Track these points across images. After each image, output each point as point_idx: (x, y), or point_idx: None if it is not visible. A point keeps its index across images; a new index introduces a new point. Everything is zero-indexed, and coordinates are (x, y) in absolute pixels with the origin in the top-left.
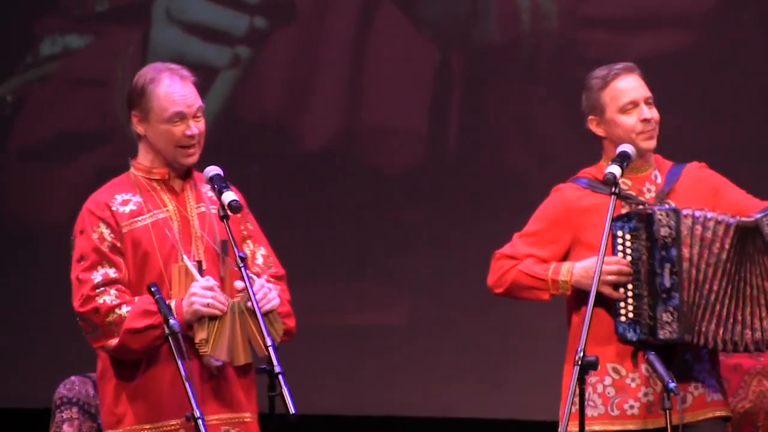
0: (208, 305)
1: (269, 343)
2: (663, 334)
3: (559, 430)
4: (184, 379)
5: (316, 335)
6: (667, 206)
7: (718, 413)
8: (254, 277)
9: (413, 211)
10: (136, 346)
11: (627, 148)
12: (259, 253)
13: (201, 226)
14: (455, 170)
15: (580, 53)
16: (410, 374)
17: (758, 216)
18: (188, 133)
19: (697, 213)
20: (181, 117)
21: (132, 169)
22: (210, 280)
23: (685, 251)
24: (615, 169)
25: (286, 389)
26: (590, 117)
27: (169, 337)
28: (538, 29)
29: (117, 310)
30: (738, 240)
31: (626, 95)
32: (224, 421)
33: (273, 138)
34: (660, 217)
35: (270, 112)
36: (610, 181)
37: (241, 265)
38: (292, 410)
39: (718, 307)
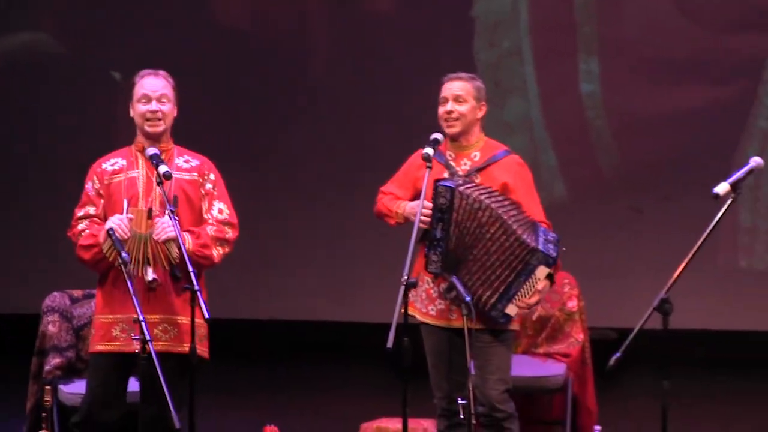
0: (113, 225)
1: (191, 269)
2: (430, 268)
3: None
4: (132, 293)
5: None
6: (448, 183)
7: (494, 326)
8: (169, 217)
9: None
10: (85, 257)
11: (438, 135)
12: (217, 206)
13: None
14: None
15: None
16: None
17: (540, 248)
18: (151, 108)
19: (467, 192)
20: (147, 98)
21: (133, 144)
22: (124, 217)
23: (455, 216)
24: (429, 150)
25: (202, 301)
26: None
27: (121, 265)
28: None
29: (83, 234)
30: (518, 245)
31: (443, 92)
32: (162, 320)
33: None
34: (440, 190)
35: None
36: (426, 158)
37: (171, 215)
38: (206, 315)
39: (468, 257)
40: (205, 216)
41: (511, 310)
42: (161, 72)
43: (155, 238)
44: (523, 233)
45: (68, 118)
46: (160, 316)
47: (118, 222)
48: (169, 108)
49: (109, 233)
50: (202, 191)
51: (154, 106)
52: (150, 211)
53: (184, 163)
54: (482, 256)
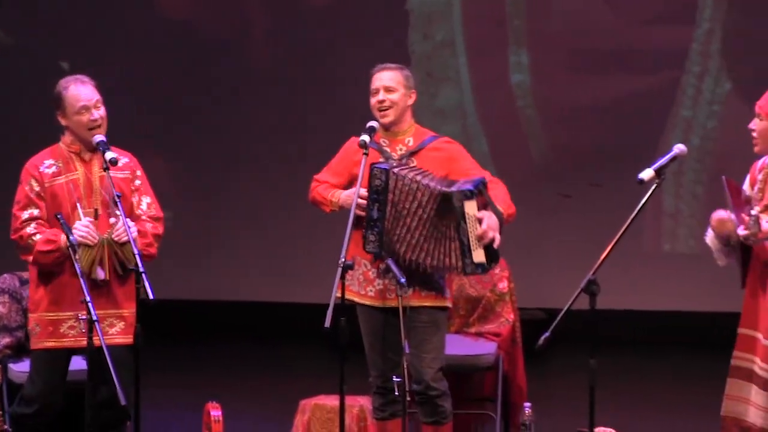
0: (82, 236)
1: (136, 252)
2: (368, 248)
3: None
4: (79, 274)
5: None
6: (383, 165)
7: (430, 303)
8: (120, 217)
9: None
10: (44, 261)
11: (373, 123)
12: (145, 201)
13: (101, 185)
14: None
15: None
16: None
17: (454, 189)
18: (92, 118)
19: (403, 173)
20: (87, 108)
21: (61, 143)
22: (87, 221)
23: (391, 196)
24: (365, 137)
25: (147, 283)
26: None
27: (69, 247)
28: None
29: (33, 238)
30: (440, 201)
31: (374, 83)
32: (108, 315)
33: None
34: (375, 172)
35: None
36: (363, 145)
37: (118, 202)
38: (151, 296)
39: (408, 236)
40: (137, 212)
41: (478, 256)
42: (85, 78)
43: (115, 239)
44: (440, 188)
45: (17, 109)
46: (106, 311)
47: (86, 230)
48: (104, 111)
49: (58, 217)
50: (133, 187)
51: (95, 114)
52: (96, 211)
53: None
54: (433, 232)
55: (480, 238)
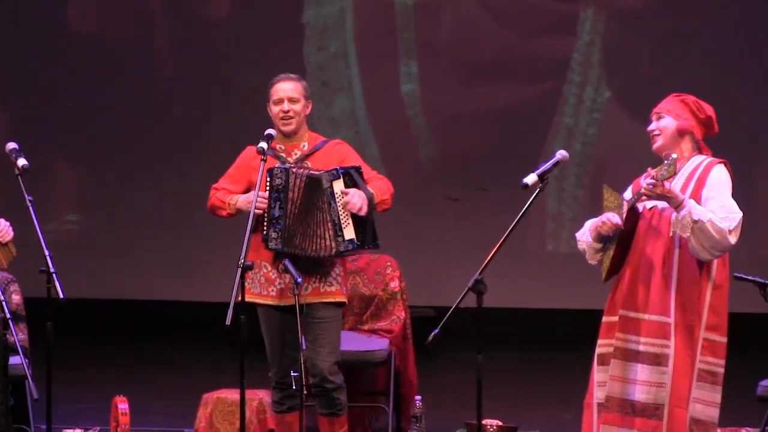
0: None
1: (47, 253)
2: (271, 245)
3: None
4: None
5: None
6: (283, 166)
7: (329, 299)
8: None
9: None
10: None
11: (271, 130)
12: None
13: None
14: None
15: None
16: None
17: (322, 172)
18: None
19: (300, 171)
20: None
21: None
22: None
23: (291, 194)
24: (263, 144)
25: (57, 283)
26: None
27: None
28: None
29: None
30: (313, 185)
31: (277, 93)
32: None
33: None
34: (276, 172)
35: None
36: (261, 151)
37: (31, 204)
38: (61, 296)
39: (300, 228)
40: None
41: (349, 232)
42: None
43: (5, 238)
44: (312, 173)
45: None
46: None
47: None
48: None
49: None
50: None
51: None
52: None
53: None
54: (314, 219)
55: (344, 207)
